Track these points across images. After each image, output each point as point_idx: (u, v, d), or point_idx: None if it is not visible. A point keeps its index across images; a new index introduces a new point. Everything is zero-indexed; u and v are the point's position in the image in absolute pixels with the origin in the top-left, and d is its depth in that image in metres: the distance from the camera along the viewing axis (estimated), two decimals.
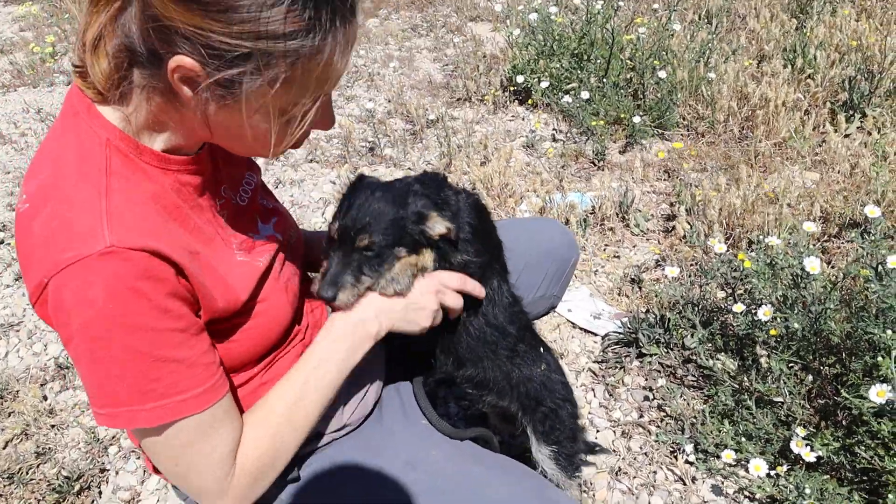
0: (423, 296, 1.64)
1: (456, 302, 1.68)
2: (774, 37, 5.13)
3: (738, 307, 2.60)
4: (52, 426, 2.93)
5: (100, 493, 2.68)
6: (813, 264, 2.43)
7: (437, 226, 1.66)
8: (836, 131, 4.20)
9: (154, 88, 1.23)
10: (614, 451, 2.64)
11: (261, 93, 1.19)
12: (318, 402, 1.51)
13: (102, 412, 1.25)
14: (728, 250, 2.73)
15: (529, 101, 5.15)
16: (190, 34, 1.10)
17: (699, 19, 5.73)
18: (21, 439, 2.90)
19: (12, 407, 3.01)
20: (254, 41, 1.11)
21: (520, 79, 5.03)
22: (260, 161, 3.80)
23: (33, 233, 1.23)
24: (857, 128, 4.30)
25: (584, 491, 2.48)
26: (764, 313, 2.50)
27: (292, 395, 1.48)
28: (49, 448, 2.84)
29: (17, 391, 3.09)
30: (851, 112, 4.39)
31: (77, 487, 2.67)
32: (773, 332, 2.51)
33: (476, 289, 1.72)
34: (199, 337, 1.32)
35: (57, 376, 3.19)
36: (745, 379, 2.67)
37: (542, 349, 2.00)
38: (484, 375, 1.87)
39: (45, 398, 3.08)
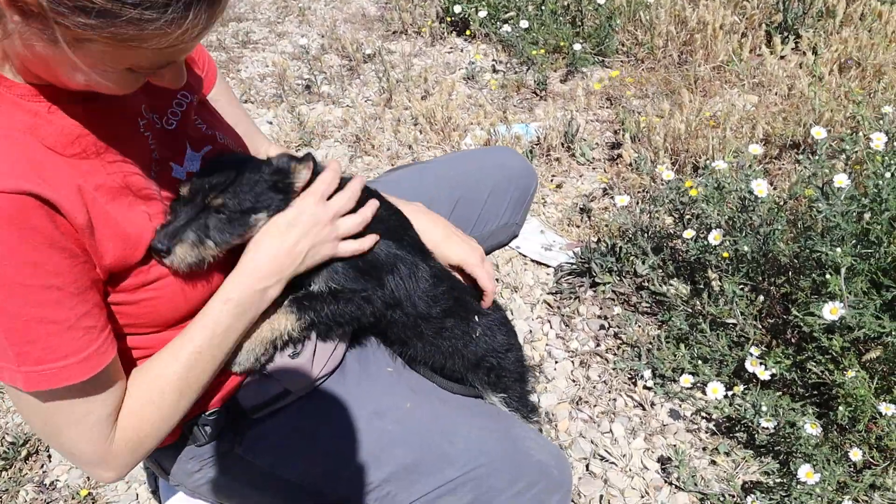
0: (315, 229, 1.51)
1: (353, 226, 1.58)
2: None
3: (689, 233, 2.62)
4: None
5: (49, 457, 2.60)
6: (760, 187, 2.45)
7: (303, 172, 1.56)
8: (772, 53, 4.23)
9: None
10: (574, 381, 2.67)
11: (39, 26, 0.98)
12: (211, 370, 1.41)
13: None
14: (676, 176, 2.74)
15: (468, 32, 5.04)
16: None
17: None
18: None
19: None
20: None
21: (457, 9, 4.91)
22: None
23: None
24: (792, 49, 4.33)
25: (548, 422, 2.52)
26: (714, 237, 2.53)
27: (185, 362, 1.35)
28: None
29: None
30: (786, 34, 4.41)
31: (24, 453, 2.58)
32: (724, 254, 2.55)
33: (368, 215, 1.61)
34: (83, 296, 1.17)
35: None
36: (698, 303, 2.72)
37: (475, 317, 1.88)
38: (415, 353, 1.81)
39: None
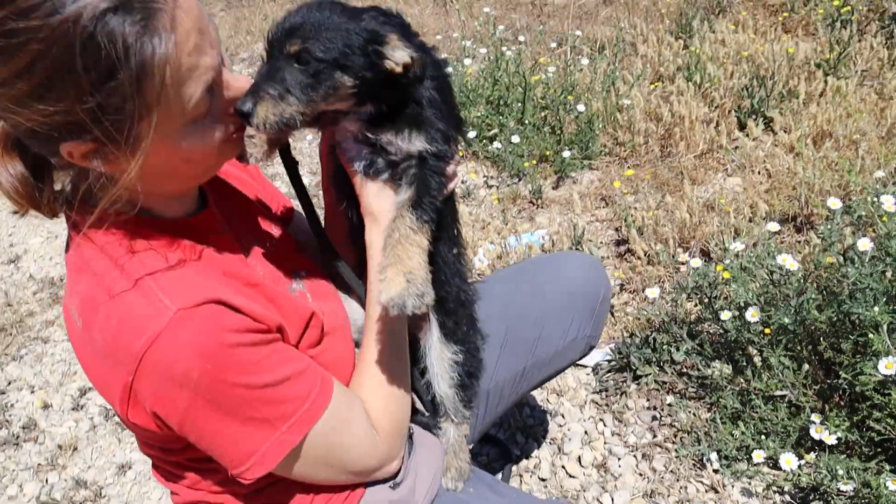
0: None
1: None
2: (667, 59, 5.44)
3: (726, 314, 2.73)
4: None
5: None
6: (790, 262, 2.59)
7: (399, 52, 1.37)
8: (747, 136, 4.49)
9: (84, 177, 1.21)
10: (641, 475, 2.69)
11: (137, 129, 1.13)
12: (405, 341, 1.66)
13: (249, 464, 1.27)
14: (702, 262, 2.87)
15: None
16: (47, 122, 1.09)
17: (593, 52, 6.02)
18: None
19: None
20: (85, 98, 1.06)
21: None
22: None
23: (96, 340, 1.22)
24: (763, 130, 4.60)
25: None
26: (752, 314, 2.64)
27: (388, 349, 1.57)
28: None
29: None
30: (755, 116, 4.69)
31: None
32: (766, 330, 2.65)
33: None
34: (288, 346, 1.37)
35: None
36: (742, 380, 2.79)
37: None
38: None
39: None
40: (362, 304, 1.67)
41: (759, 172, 4.21)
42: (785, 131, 4.46)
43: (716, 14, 6.25)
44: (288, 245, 1.75)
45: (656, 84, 5.13)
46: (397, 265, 1.40)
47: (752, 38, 5.46)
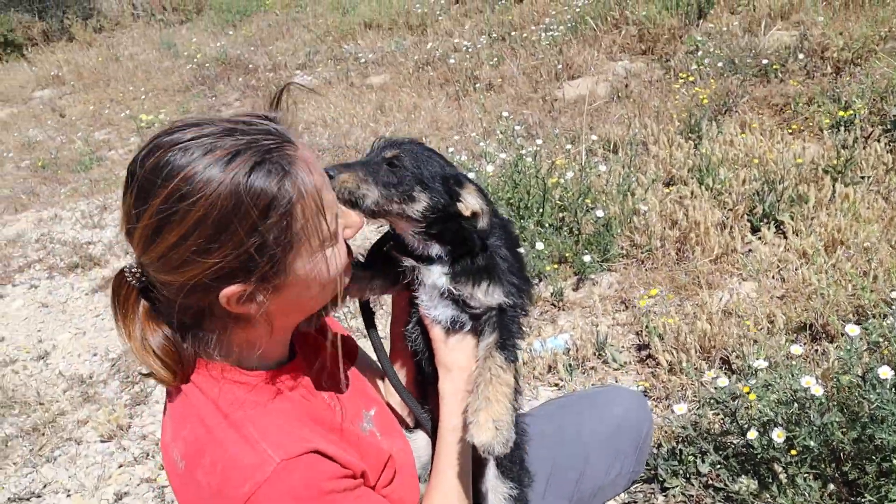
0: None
1: None
2: (679, 159, 5.66)
3: (752, 434, 2.83)
4: None
5: None
6: (815, 387, 2.71)
7: (472, 198, 1.59)
8: (760, 240, 4.66)
9: (224, 327, 1.40)
10: None
11: (286, 262, 1.33)
12: (468, 482, 1.74)
13: None
14: (729, 381, 2.99)
15: None
16: (210, 273, 1.26)
17: (606, 151, 6.25)
18: None
19: None
20: (245, 242, 1.25)
21: None
22: None
23: (200, 484, 1.34)
24: (775, 233, 4.77)
25: None
26: (777, 435, 2.75)
27: (458, 490, 1.69)
28: None
29: None
30: (767, 220, 4.87)
31: None
32: (793, 452, 2.75)
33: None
34: (370, 491, 1.49)
35: None
36: (769, 496, 2.88)
37: None
38: None
39: None
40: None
41: (773, 277, 4.37)
42: (797, 234, 4.63)
43: (723, 114, 6.50)
44: (357, 382, 1.88)
45: (671, 189, 5.33)
46: (487, 409, 1.55)
47: (759, 141, 5.69)
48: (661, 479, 3.15)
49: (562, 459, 2.20)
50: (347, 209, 1.54)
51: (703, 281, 4.47)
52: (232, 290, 1.28)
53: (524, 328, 1.74)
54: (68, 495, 3.76)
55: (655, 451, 3.26)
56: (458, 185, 1.60)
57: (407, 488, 1.72)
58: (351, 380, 1.86)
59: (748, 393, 2.88)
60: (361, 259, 1.78)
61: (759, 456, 2.94)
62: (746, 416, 3.06)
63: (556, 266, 4.83)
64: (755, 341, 3.71)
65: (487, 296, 1.66)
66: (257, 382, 1.46)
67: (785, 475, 2.83)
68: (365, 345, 2.09)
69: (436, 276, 1.69)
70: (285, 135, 1.34)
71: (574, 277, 4.88)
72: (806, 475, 2.73)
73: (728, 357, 3.72)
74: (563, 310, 4.61)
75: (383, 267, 1.78)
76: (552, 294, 4.67)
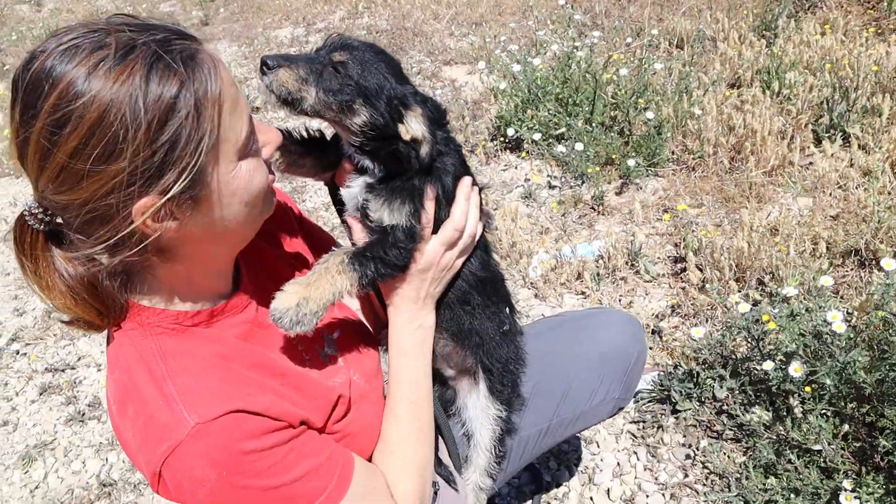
0: (440, 275, 1.69)
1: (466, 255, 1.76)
2: (747, 59, 5.28)
3: (768, 364, 2.70)
4: None
5: None
6: (838, 322, 2.54)
7: (415, 124, 1.49)
8: (822, 153, 4.35)
9: (142, 257, 1.27)
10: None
11: (206, 163, 1.22)
12: (429, 404, 1.71)
13: None
14: (751, 308, 2.84)
15: (522, 154, 5.22)
16: (115, 184, 1.15)
17: (670, 46, 5.87)
18: None
19: None
20: (148, 146, 1.14)
21: (510, 131, 5.12)
22: None
23: (128, 437, 1.32)
24: (840, 146, 4.44)
25: None
26: (795, 370, 2.61)
27: (408, 416, 1.66)
28: None
29: None
30: (833, 132, 4.53)
31: None
32: (807, 389, 2.62)
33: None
34: (309, 438, 1.41)
35: (101, 495, 3.22)
36: (781, 429, 2.78)
37: (506, 308, 1.91)
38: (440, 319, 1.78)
39: None
40: None
41: (830, 195, 4.10)
42: (863, 149, 4.31)
43: (805, 10, 6.00)
44: None
45: (731, 92, 4.99)
46: (305, 288, 1.47)
47: (840, 43, 5.23)
48: (673, 400, 3.07)
49: (544, 381, 2.13)
50: (264, 126, 1.43)
51: (754, 193, 4.23)
52: (143, 202, 1.17)
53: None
54: (99, 369, 3.91)
55: (672, 371, 3.17)
56: (404, 107, 1.49)
57: (368, 419, 1.66)
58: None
59: (768, 322, 2.73)
60: (302, 136, 1.69)
61: (775, 388, 2.82)
62: (775, 343, 2.92)
63: (598, 169, 4.62)
64: (796, 265, 3.51)
65: (390, 216, 1.56)
66: (189, 326, 1.40)
67: (801, 410, 2.71)
68: None
69: (357, 187, 1.61)
70: (186, 31, 1.22)
71: (619, 181, 4.68)
72: (823, 412, 2.61)
73: (763, 279, 3.54)
74: (603, 214, 4.44)
75: (323, 151, 1.71)
76: (592, 197, 4.50)
